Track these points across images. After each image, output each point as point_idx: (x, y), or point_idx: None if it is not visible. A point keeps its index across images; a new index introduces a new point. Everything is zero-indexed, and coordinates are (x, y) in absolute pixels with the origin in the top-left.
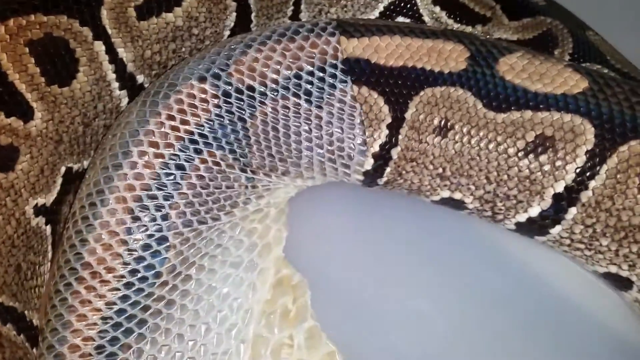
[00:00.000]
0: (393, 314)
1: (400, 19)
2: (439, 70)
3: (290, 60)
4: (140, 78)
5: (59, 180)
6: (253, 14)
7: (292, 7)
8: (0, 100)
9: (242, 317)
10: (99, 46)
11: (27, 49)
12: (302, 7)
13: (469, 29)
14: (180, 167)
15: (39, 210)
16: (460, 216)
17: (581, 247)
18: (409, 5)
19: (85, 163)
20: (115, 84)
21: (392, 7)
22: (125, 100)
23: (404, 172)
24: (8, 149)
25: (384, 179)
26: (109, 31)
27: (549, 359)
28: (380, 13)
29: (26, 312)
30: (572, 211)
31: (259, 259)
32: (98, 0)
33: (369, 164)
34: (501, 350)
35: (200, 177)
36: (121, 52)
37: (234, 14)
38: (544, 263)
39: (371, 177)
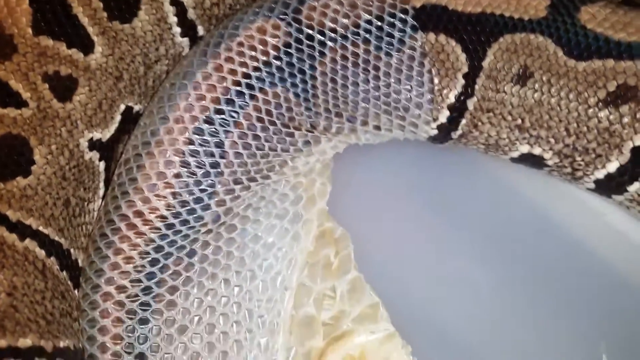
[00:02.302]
0: (435, 269)
1: None
2: (519, 17)
3: (360, 6)
4: (200, 30)
5: (117, 118)
6: None
7: None
8: (63, 31)
9: (286, 266)
10: None
11: None
12: None
13: None
14: (234, 114)
15: (93, 145)
16: (509, 180)
17: None
18: None
19: (147, 105)
20: (177, 29)
21: None
22: (187, 50)
23: (479, 123)
24: (67, 79)
25: (459, 131)
26: None
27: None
28: None
29: (72, 249)
30: None
31: (303, 211)
32: None
33: (443, 116)
34: (544, 317)
35: (256, 137)
36: None
37: None
38: (599, 232)
39: (445, 130)
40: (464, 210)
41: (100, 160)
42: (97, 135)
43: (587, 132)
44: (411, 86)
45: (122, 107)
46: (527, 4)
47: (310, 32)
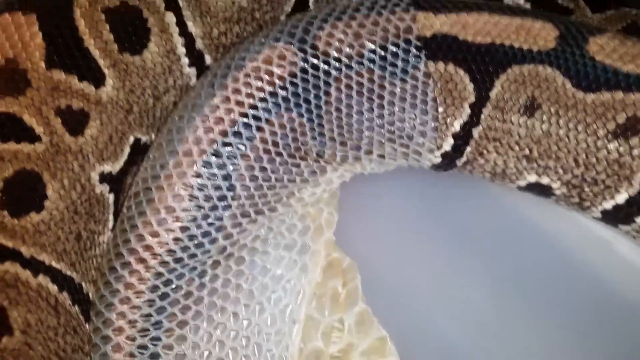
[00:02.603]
0: (443, 300)
1: None
2: (528, 48)
3: (364, 36)
4: (208, 59)
5: (127, 150)
6: (311, 0)
7: None
8: (75, 64)
9: (294, 298)
10: (170, 17)
11: (103, 16)
12: None
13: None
14: (240, 150)
15: (104, 178)
16: (516, 206)
17: None
18: None
19: (154, 137)
20: (185, 60)
21: None
22: (194, 80)
23: (485, 152)
24: (79, 113)
25: (463, 159)
26: (180, 3)
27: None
28: None
29: (83, 283)
30: None
31: (311, 242)
32: None
33: (448, 144)
34: (551, 345)
35: (263, 169)
36: (190, 25)
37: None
38: (606, 260)
39: (450, 158)
40: (472, 238)
41: (110, 192)
42: (107, 168)
43: (597, 163)
44: (415, 115)
45: (132, 139)
46: (537, 35)
47: (315, 61)
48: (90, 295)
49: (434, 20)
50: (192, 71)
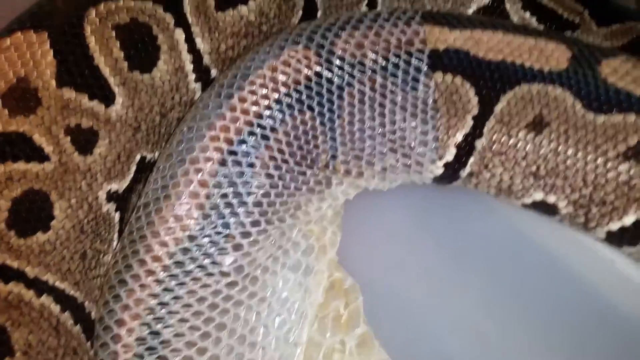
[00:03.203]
0: (446, 322)
1: None
2: (539, 67)
3: (367, 45)
4: (214, 72)
5: (133, 168)
6: (319, 12)
7: (365, 8)
8: (85, 82)
9: (297, 321)
10: (180, 34)
11: (113, 33)
12: (379, 8)
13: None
14: (250, 161)
15: (111, 196)
16: (519, 226)
17: None
18: (498, 10)
19: (157, 154)
20: (192, 76)
21: (480, 12)
22: (199, 94)
23: (491, 165)
24: (88, 132)
25: (467, 169)
26: (189, 19)
27: None
28: None
29: (86, 303)
30: None
31: (315, 262)
32: None
33: (450, 154)
34: None
35: (269, 176)
36: (199, 42)
37: (301, 12)
38: (606, 277)
39: (453, 169)
40: (476, 258)
41: (116, 211)
42: (114, 186)
43: (606, 184)
44: (416, 124)
45: (138, 157)
46: (549, 55)
47: (318, 69)
48: (93, 314)
49: (449, 35)
50: (197, 86)
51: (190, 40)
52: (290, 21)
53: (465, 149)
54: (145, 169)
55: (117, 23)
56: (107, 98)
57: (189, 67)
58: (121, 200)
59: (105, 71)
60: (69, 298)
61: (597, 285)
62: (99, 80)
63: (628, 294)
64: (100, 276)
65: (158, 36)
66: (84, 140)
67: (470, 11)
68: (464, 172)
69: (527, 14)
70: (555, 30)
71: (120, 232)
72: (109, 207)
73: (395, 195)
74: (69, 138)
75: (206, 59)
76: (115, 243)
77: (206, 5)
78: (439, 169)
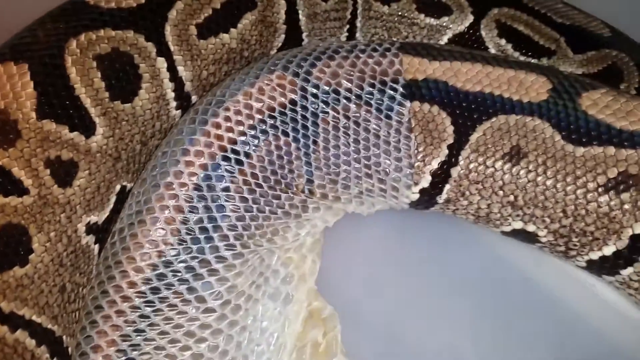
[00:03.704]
0: (426, 350)
1: None
2: (518, 98)
3: (342, 75)
4: (194, 98)
5: (113, 199)
6: (305, 34)
7: (346, 34)
8: (66, 114)
9: (276, 351)
10: (162, 63)
11: (94, 63)
12: (358, 35)
13: (534, 61)
14: (226, 186)
15: (90, 228)
16: (501, 250)
17: None
18: (474, 37)
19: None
20: (173, 103)
21: (456, 39)
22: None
23: (467, 193)
24: (68, 164)
25: (444, 196)
26: (172, 48)
27: None
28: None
29: (64, 337)
30: None
31: (295, 291)
32: (163, 16)
33: (426, 181)
34: None
35: (243, 199)
36: (181, 70)
37: (283, 36)
38: (584, 301)
39: (429, 195)
40: (456, 283)
41: (95, 243)
42: (94, 218)
43: (586, 215)
44: (390, 150)
45: (118, 187)
46: (529, 87)
47: (293, 97)
48: (70, 349)
49: (428, 66)
50: (178, 113)
51: (172, 68)
52: (272, 45)
53: (441, 176)
54: (125, 199)
55: (98, 53)
56: (88, 129)
57: (171, 95)
58: (101, 231)
59: (87, 102)
60: (46, 332)
61: (576, 307)
62: (79, 111)
63: (607, 317)
64: (80, 310)
65: (140, 65)
66: (64, 172)
67: (445, 38)
68: (441, 199)
69: (503, 41)
70: (535, 62)
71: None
72: (89, 240)
73: (374, 222)
74: (48, 170)
75: (188, 86)
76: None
77: (188, 34)
78: (414, 194)
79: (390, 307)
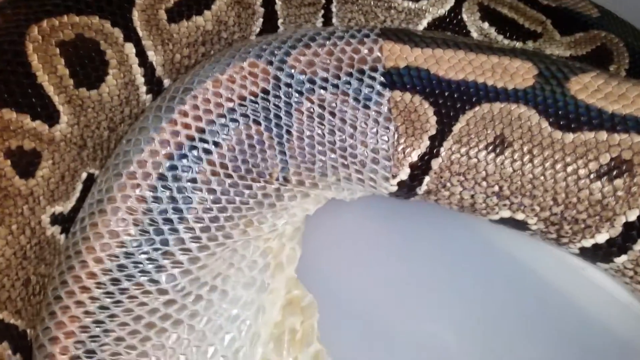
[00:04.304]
0: (404, 338)
1: None
2: (502, 86)
3: (317, 64)
4: (166, 82)
5: (79, 187)
6: (280, 21)
7: (321, 19)
8: (27, 103)
9: (249, 340)
10: (130, 48)
11: (58, 50)
12: (334, 20)
13: (519, 45)
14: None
15: (55, 219)
16: (488, 237)
17: None
18: (455, 21)
19: None
20: (143, 88)
21: (436, 23)
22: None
23: (449, 184)
24: (30, 154)
25: (424, 187)
26: (140, 33)
27: None
28: (424, 29)
29: (28, 330)
30: None
31: (271, 279)
32: (130, 1)
33: (404, 173)
34: None
35: (211, 191)
36: (151, 55)
37: (261, 19)
38: (573, 287)
39: (408, 187)
40: (439, 271)
41: (61, 233)
42: (59, 208)
43: (578, 202)
44: (367, 142)
45: (84, 175)
46: (514, 73)
47: (265, 86)
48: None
49: (409, 53)
50: (149, 97)
51: (141, 54)
52: (251, 29)
53: (421, 169)
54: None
55: (62, 40)
56: (51, 117)
57: (140, 80)
58: (67, 221)
59: (49, 90)
60: (8, 327)
61: (566, 291)
62: (42, 99)
63: (597, 301)
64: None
65: (106, 52)
66: (26, 162)
67: (425, 22)
68: (420, 190)
69: (486, 25)
70: (521, 47)
71: None
72: (54, 230)
73: (357, 208)
74: (9, 161)
75: (159, 71)
76: None
77: (157, 18)
78: (392, 187)
79: (370, 295)
